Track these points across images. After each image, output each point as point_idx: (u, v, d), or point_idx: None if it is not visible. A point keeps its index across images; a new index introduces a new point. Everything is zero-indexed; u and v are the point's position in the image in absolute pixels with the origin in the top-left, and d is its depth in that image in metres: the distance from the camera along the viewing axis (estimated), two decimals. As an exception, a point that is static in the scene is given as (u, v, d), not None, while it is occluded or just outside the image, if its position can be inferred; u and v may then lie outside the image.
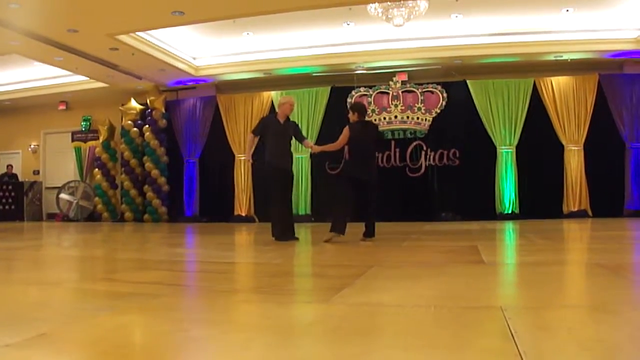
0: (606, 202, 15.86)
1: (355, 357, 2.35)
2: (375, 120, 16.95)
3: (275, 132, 9.20)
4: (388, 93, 17.18)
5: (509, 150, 16.41)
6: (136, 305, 3.67)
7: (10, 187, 20.92)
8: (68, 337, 2.81)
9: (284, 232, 9.01)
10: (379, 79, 17.20)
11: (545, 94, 16.30)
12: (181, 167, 19.05)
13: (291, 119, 9.47)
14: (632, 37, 14.99)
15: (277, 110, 9.51)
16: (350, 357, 2.36)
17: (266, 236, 9.26)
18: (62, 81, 19.19)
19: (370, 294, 4.04)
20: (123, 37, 14.31)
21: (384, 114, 17.09)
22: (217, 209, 18.50)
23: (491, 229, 12.37)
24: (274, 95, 17.91)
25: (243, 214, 18.05)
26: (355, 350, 2.46)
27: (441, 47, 15.69)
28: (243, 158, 17.36)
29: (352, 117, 9.15)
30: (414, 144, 16.99)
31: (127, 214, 19.16)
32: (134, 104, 19.25)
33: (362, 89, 17.32)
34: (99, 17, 12.67)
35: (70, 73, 17.86)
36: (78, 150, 21.07)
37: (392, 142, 17.09)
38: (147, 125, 18.86)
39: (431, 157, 16.86)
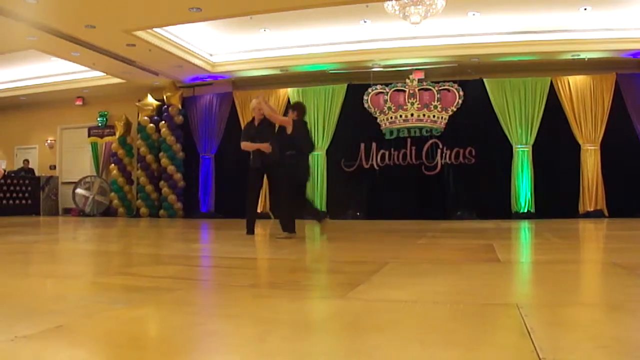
0: (623, 202, 15.69)
1: (371, 352, 2.35)
2: (391, 117, 17.01)
3: (250, 135, 9.66)
4: (404, 91, 17.14)
5: (525, 149, 16.34)
6: (152, 299, 3.69)
7: (26, 181, 21.02)
8: (84, 329, 2.83)
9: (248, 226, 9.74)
10: (395, 76, 17.17)
11: (562, 93, 16.21)
12: (197, 163, 19.10)
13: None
14: (650, 36, 14.91)
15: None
16: (366, 352, 2.36)
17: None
18: (79, 77, 19.25)
19: (386, 290, 4.04)
20: (140, 33, 14.36)
21: (400, 112, 17.06)
22: (232, 205, 18.39)
23: (507, 227, 12.33)
24: (290, 92, 17.92)
25: (258, 211, 18.02)
26: (371, 345, 2.46)
27: (458, 45, 15.63)
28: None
29: (292, 115, 9.40)
30: (430, 142, 16.94)
31: (143, 210, 19.23)
32: (150, 100, 19.30)
33: (378, 87, 17.30)
34: (116, 13, 12.71)
35: (87, 69, 17.92)
36: (94, 146, 21.16)
37: (408, 140, 17.06)
38: (163, 121, 18.91)
39: (447, 155, 16.80)
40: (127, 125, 19.96)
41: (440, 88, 16.91)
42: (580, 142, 16.07)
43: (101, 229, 13.06)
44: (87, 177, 20.67)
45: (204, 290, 4.34)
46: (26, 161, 21.78)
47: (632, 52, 15.31)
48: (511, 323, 2.88)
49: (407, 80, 17.02)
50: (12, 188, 20.43)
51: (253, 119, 9.74)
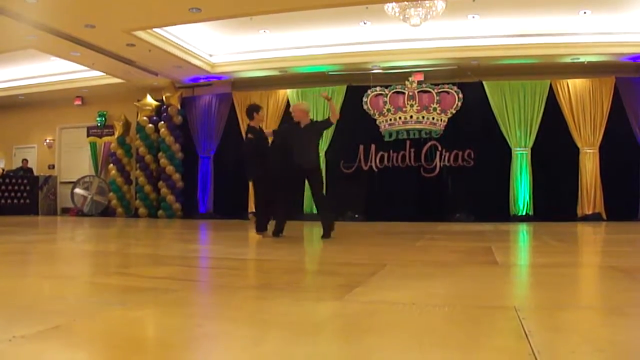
0: (621, 206, 15.75)
1: (369, 354, 2.35)
2: (390, 119, 17.02)
3: (293, 135, 9.80)
4: (404, 93, 17.15)
5: (524, 151, 16.36)
6: (149, 300, 3.68)
7: (25, 181, 21.01)
8: (82, 330, 2.83)
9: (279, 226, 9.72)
10: (395, 78, 17.17)
11: (561, 96, 16.23)
12: (196, 164, 19.11)
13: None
14: (649, 40, 14.92)
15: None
16: (363, 355, 2.36)
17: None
18: (78, 76, 19.26)
19: (383, 292, 4.04)
20: (140, 34, 14.36)
21: (400, 114, 17.07)
22: (231, 205, 18.49)
23: (505, 230, 12.33)
24: (289, 93, 17.94)
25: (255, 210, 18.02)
26: (368, 348, 2.46)
27: (457, 48, 15.65)
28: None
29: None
30: (429, 144, 16.96)
31: (141, 210, 19.23)
32: (149, 100, 19.31)
33: (377, 89, 17.31)
34: (116, 13, 12.72)
35: (87, 68, 17.92)
36: (93, 146, 21.14)
37: (407, 142, 17.09)
38: (162, 122, 18.91)
39: (446, 157, 16.82)
40: (126, 125, 19.97)
41: (439, 90, 16.92)
42: (579, 145, 16.09)
43: (99, 229, 13.05)
44: (85, 176, 20.67)
45: (202, 292, 4.34)
46: (25, 160, 21.77)
47: (631, 56, 15.32)
48: (509, 326, 2.88)
49: (407, 82, 17.03)
50: (10, 187, 20.44)
51: (298, 122, 9.71)
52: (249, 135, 9.72)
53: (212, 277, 5.34)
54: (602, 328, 2.92)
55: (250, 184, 10.75)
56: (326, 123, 9.78)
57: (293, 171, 9.50)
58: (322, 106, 17.27)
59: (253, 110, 9.76)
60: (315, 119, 10.31)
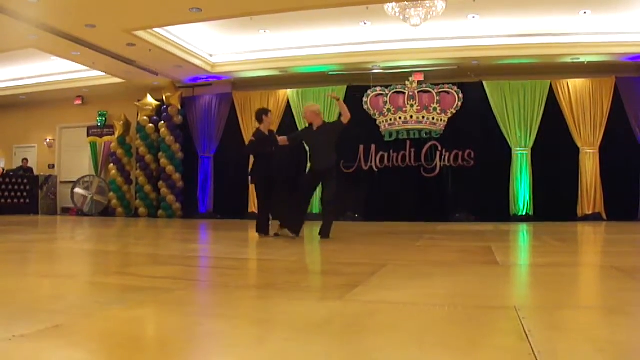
0: (621, 206, 15.73)
1: (370, 354, 2.35)
2: (390, 119, 17.02)
3: (308, 138, 10.02)
4: (404, 93, 17.14)
5: (524, 152, 16.34)
6: (150, 299, 3.69)
7: (25, 180, 20.99)
8: (82, 329, 2.83)
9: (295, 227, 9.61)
10: (395, 78, 17.16)
11: (561, 96, 16.21)
12: (196, 164, 19.08)
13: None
14: (650, 40, 14.91)
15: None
16: (363, 354, 2.36)
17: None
18: (78, 76, 19.23)
19: (384, 292, 4.04)
20: (140, 33, 14.35)
21: (400, 114, 17.06)
22: (231, 205, 18.48)
23: (505, 230, 12.33)
24: (289, 93, 17.94)
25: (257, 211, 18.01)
26: (369, 347, 2.46)
27: (458, 48, 15.63)
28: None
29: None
30: (429, 144, 16.92)
31: (141, 210, 19.22)
32: (150, 99, 19.29)
33: (378, 89, 17.29)
34: (116, 12, 12.71)
35: (87, 68, 17.90)
36: (93, 145, 21.12)
37: (408, 142, 17.06)
38: (162, 121, 18.89)
39: (446, 157, 16.79)
40: (126, 125, 19.95)
41: (439, 90, 16.90)
42: (579, 145, 16.08)
43: (99, 228, 13.05)
44: (85, 176, 20.65)
45: (202, 291, 4.34)
46: (25, 160, 21.75)
47: (632, 56, 15.31)
48: (509, 326, 2.88)
49: (407, 82, 17.02)
50: (10, 187, 20.40)
51: (310, 124, 9.74)
52: (252, 138, 9.77)
53: (212, 276, 5.34)
54: (602, 328, 2.92)
55: (252, 186, 10.72)
56: (339, 125, 9.73)
57: (305, 174, 9.57)
58: (322, 106, 17.24)
59: (262, 113, 9.86)
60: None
